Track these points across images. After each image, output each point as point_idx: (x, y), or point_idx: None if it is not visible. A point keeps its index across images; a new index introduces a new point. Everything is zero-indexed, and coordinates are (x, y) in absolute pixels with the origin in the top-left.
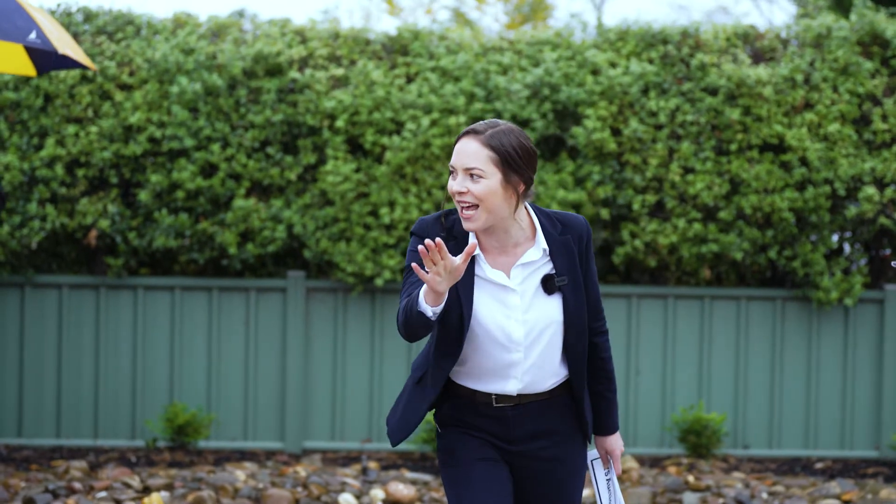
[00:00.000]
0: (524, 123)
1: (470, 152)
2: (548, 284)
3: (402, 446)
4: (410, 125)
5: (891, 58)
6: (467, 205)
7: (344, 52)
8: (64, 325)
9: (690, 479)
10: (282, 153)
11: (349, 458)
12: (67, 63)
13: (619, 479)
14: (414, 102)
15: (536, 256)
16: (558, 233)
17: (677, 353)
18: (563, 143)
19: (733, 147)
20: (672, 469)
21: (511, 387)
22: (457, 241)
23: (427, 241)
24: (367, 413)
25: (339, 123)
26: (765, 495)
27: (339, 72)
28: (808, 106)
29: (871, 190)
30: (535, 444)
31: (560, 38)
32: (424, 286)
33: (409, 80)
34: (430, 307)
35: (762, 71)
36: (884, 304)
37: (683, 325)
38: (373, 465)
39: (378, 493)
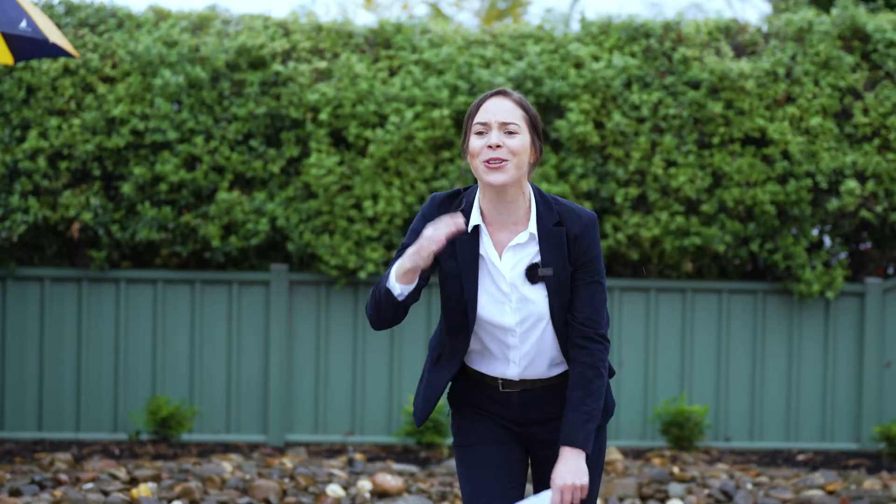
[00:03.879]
0: None
1: (507, 109)
2: (530, 273)
3: (385, 438)
4: (394, 118)
5: (871, 52)
6: (499, 160)
7: (327, 45)
8: (46, 318)
9: (675, 470)
10: (265, 146)
11: (332, 451)
12: (48, 51)
13: (605, 469)
14: (397, 95)
15: (523, 240)
16: (552, 223)
17: (659, 345)
18: (547, 136)
19: (715, 140)
20: (656, 461)
21: (511, 371)
22: (462, 215)
23: (459, 224)
24: (349, 406)
25: (323, 116)
26: (749, 486)
27: (323, 65)
28: (790, 100)
29: (852, 183)
30: (546, 428)
31: (543, 31)
32: (399, 264)
33: (392, 73)
34: (399, 286)
35: (744, 65)
36: (864, 297)
37: (665, 318)
38: (358, 456)
39: (365, 484)
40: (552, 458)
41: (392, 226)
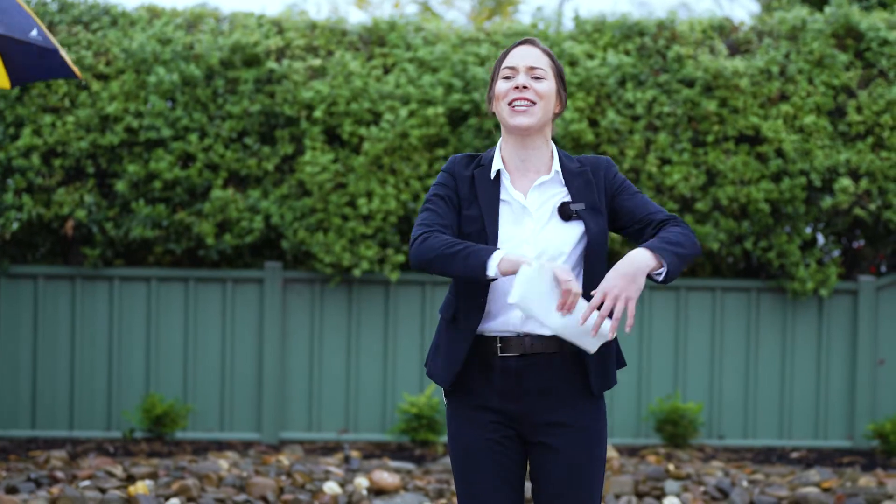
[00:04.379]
0: None
1: (534, 55)
2: (563, 210)
3: (379, 436)
4: (388, 116)
5: (865, 50)
6: (525, 101)
7: (321, 42)
8: (39, 316)
9: (671, 467)
10: (259, 144)
11: (327, 449)
12: (47, 73)
13: None
14: (392, 93)
15: (548, 178)
16: (576, 167)
17: (653, 343)
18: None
19: (710, 138)
20: (651, 458)
21: (515, 315)
22: (483, 167)
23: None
24: (343, 404)
25: (317, 114)
26: (745, 483)
27: (317, 62)
28: (784, 98)
29: (846, 181)
30: (545, 402)
31: (537, 29)
32: (502, 253)
33: (387, 70)
34: (499, 272)
35: (738, 63)
36: (857, 295)
37: (659, 316)
38: (354, 454)
39: (362, 481)
40: (551, 447)
41: (387, 223)
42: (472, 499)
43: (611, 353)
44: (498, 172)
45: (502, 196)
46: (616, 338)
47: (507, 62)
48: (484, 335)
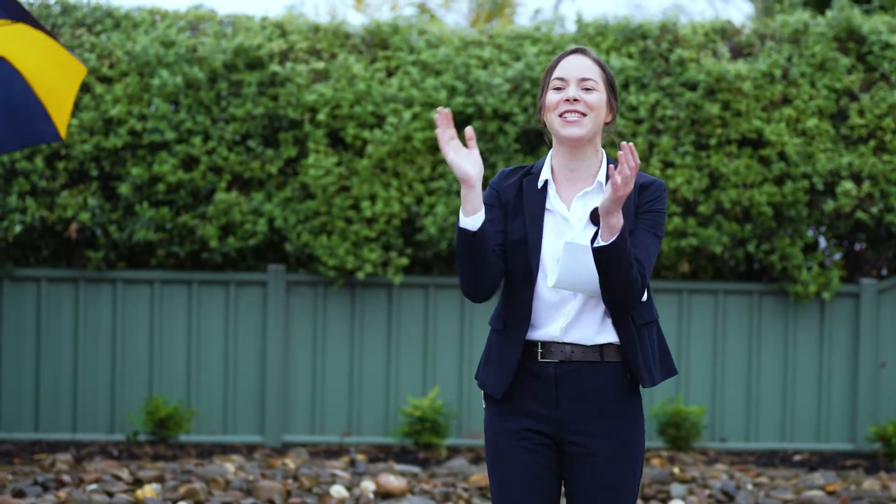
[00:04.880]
0: (505, 117)
1: (585, 65)
2: (594, 216)
3: (382, 439)
4: (392, 119)
5: (867, 54)
6: (576, 113)
7: (324, 45)
8: (42, 318)
9: (675, 470)
10: (263, 146)
11: (330, 452)
12: (23, 142)
13: None
14: (395, 96)
15: (591, 188)
16: None
17: None
18: (543, 137)
19: (712, 142)
20: (655, 461)
21: (557, 326)
22: (532, 176)
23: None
24: (346, 406)
25: (321, 117)
26: (750, 486)
27: (320, 65)
28: (787, 101)
29: (848, 184)
30: (581, 411)
31: (540, 32)
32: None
33: (390, 73)
34: (466, 217)
35: (741, 66)
36: (859, 298)
37: (661, 319)
38: (360, 457)
39: (369, 485)
40: (588, 455)
41: (390, 226)
42: (504, 502)
43: (646, 347)
44: (545, 182)
45: (547, 206)
46: (657, 344)
47: (558, 72)
48: (527, 340)
